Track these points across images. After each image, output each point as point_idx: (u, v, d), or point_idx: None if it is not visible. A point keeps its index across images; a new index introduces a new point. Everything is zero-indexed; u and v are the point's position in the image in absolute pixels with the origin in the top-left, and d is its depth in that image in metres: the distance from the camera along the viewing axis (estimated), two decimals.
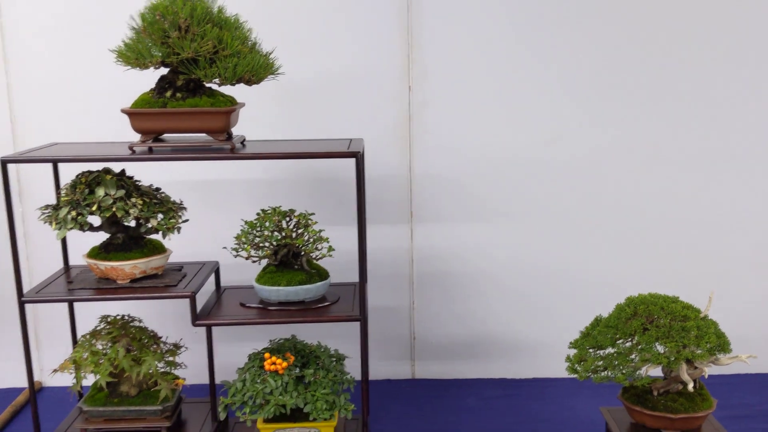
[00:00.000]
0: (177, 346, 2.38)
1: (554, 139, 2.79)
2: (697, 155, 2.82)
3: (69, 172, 2.39)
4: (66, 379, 2.80)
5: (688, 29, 2.73)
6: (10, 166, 2.39)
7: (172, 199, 2.28)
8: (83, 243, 2.45)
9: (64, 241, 2.43)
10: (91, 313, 2.56)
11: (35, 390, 2.93)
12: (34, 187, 2.78)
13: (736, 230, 2.89)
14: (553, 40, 2.73)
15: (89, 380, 2.50)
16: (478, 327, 2.97)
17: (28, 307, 2.78)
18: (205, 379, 2.58)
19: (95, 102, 2.71)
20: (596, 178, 2.84)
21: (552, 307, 2.91)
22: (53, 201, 2.32)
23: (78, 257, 2.45)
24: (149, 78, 2.22)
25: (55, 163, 2.33)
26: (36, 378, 2.97)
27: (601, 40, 2.73)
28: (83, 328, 2.48)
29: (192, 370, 2.60)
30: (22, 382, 2.93)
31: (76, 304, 2.51)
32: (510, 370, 2.99)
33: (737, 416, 2.65)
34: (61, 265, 2.48)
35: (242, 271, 2.58)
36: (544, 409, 2.73)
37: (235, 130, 2.37)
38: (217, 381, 2.47)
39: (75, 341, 2.49)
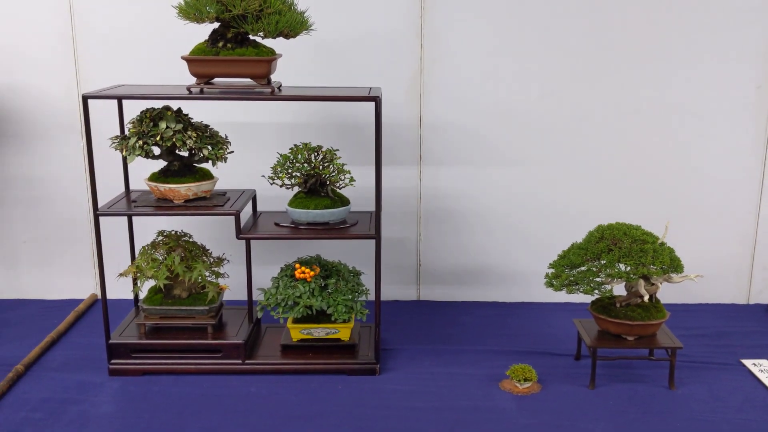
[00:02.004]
0: (221, 259, 2.84)
1: (544, 95, 3.19)
2: (668, 109, 3.20)
3: (130, 112, 2.83)
4: (123, 292, 3.27)
5: None
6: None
7: (219, 134, 2.71)
8: (134, 174, 2.89)
9: (125, 169, 2.86)
10: (144, 234, 3.02)
11: (95, 299, 3.42)
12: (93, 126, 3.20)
13: (705, 174, 3.28)
14: (547, 9, 3.11)
15: (145, 288, 2.95)
16: (476, 257, 3.40)
17: (88, 228, 3.26)
18: (242, 296, 3.03)
19: (150, 50, 3.12)
20: (581, 128, 3.23)
21: (542, 239, 3.29)
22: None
23: (123, 186, 2.90)
24: (198, 33, 2.61)
25: (119, 100, 2.76)
26: (93, 291, 3.44)
27: (587, 8, 3.11)
28: (137, 245, 2.93)
29: (230, 291, 3.05)
30: (81, 294, 3.41)
31: (134, 223, 2.95)
32: (503, 294, 3.42)
33: (696, 335, 3.07)
34: (111, 194, 2.89)
35: (273, 204, 3.02)
36: (527, 324, 3.17)
37: (273, 78, 2.78)
38: (254, 297, 2.91)
39: (133, 255, 2.94)
